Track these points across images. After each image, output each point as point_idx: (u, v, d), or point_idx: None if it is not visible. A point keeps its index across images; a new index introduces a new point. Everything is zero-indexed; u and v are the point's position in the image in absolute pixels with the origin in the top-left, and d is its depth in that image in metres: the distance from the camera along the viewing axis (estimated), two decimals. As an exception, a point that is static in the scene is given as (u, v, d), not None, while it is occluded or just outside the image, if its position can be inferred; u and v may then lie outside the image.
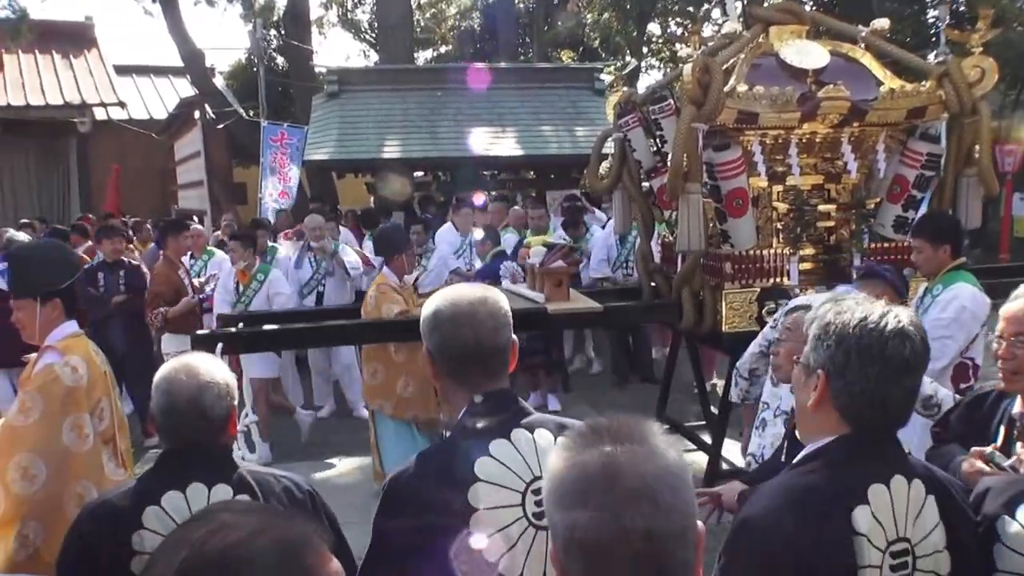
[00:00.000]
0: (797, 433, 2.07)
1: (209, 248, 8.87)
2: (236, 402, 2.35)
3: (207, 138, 14.23)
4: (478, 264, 8.45)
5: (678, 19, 22.30)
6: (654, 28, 24.39)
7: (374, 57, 27.63)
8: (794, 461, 1.95)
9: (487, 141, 12.14)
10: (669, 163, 5.23)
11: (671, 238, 6.63)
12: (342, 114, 12.51)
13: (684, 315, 5.61)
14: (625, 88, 6.60)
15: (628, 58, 21.89)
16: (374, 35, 27.42)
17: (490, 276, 6.84)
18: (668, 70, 26.33)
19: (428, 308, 2.06)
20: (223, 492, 2.17)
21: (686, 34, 5.93)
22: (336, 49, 57.54)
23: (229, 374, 2.33)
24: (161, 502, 2.14)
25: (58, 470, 3.09)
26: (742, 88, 5.24)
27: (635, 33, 22.23)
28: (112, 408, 3.38)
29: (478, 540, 1.87)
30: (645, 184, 6.46)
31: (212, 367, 2.30)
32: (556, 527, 1.23)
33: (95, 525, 2.21)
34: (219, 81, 20.95)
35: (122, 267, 7.83)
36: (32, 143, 20.31)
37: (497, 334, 2.02)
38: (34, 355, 3.33)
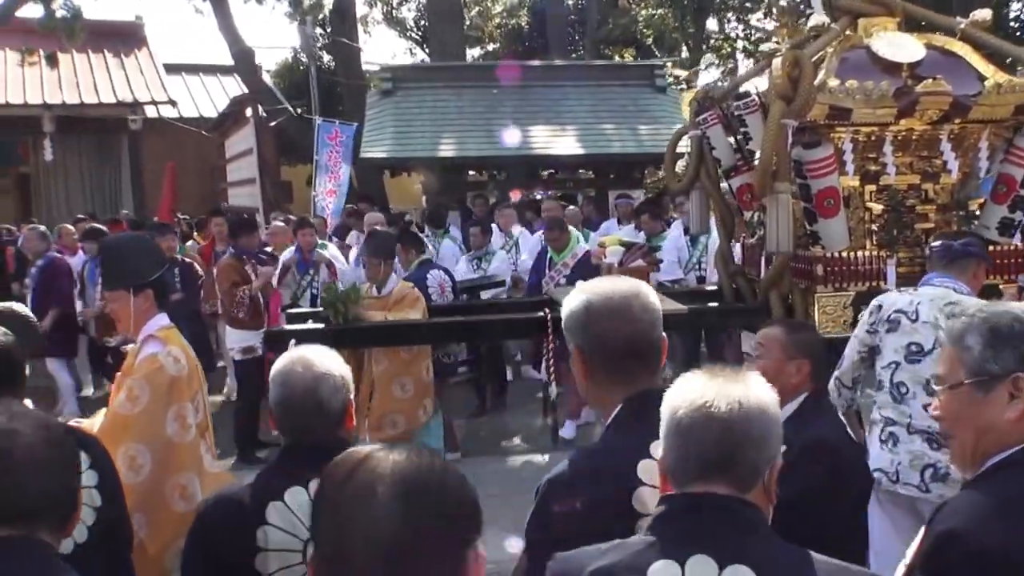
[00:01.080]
0: (954, 450, 1.92)
1: (322, 242, 8.68)
2: (353, 395, 2.28)
3: (259, 136, 14.19)
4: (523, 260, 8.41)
5: (739, 14, 21.93)
6: (711, 23, 24.05)
7: (419, 55, 27.57)
8: (981, 472, 1.83)
9: (546, 139, 11.95)
10: (757, 161, 5.00)
11: (751, 239, 6.42)
12: (396, 112, 12.37)
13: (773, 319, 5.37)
14: (703, 84, 6.39)
15: (684, 54, 21.59)
16: (420, 32, 27.37)
17: (417, 285, 6.48)
18: (726, 67, 26.03)
19: (575, 304, 1.96)
20: None
21: (774, 27, 5.66)
22: (381, 47, 57.51)
23: (344, 366, 2.25)
24: (284, 498, 2.08)
25: (162, 461, 3.09)
26: (834, 82, 4.99)
27: (692, 29, 21.90)
28: (204, 400, 3.40)
29: None
30: (724, 183, 6.26)
31: (327, 359, 2.22)
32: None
33: (219, 521, 2.15)
34: (266, 79, 21.05)
35: (176, 264, 7.76)
36: (85, 141, 20.53)
37: (653, 328, 1.95)
38: (132, 345, 3.33)
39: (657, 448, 1.68)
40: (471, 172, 13.89)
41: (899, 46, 5.27)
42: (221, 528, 2.12)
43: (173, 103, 19.65)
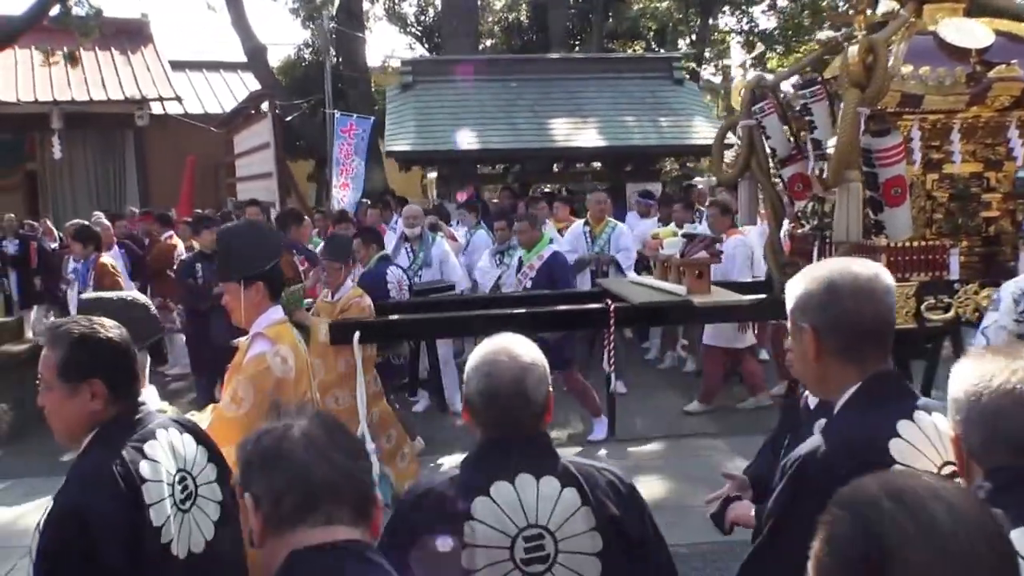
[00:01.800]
0: None
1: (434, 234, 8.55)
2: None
3: (276, 131, 14.11)
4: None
5: (743, 7, 21.89)
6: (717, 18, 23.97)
7: (419, 50, 27.46)
8: None
9: (566, 132, 11.89)
10: (834, 149, 4.93)
11: (800, 230, 6.36)
12: (417, 105, 12.30)
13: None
14: (754, 73, 6.32)
15: (682, 49, 21.54)
16: (420, 28, 27.28)
17: (375, 281, 6.41)
18: (723, 61, 25.98)
19: (813, 284, 1.94)
20: (551, 484, 2.00)
21: (849, 12, 5.60)
22: (381, 43, 57.26)
23: (543, 357, 2.16)
24: (490, 492, 2.00)
25: None
26: (906, 69, 4.94)
27: (697, 22, 21.85)
28: (315, 400, 3.34)
29: None
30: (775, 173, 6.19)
31: (531, 349, 2.13)
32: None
33: (425, 516, 2.05)
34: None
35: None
36: (91, 137, 20.50)
37: (892, 311, 1.95)
38: (243, 339, 3.28)
39: (906, 428, 1.64)
40: (479, 165, 13.82)
41: (966, 32, 5.22)
42: (427, 522, 2.02)
43: (179, 99, 19.58)
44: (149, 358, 4.92)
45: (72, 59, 13.21)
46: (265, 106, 14.29)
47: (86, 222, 10.00)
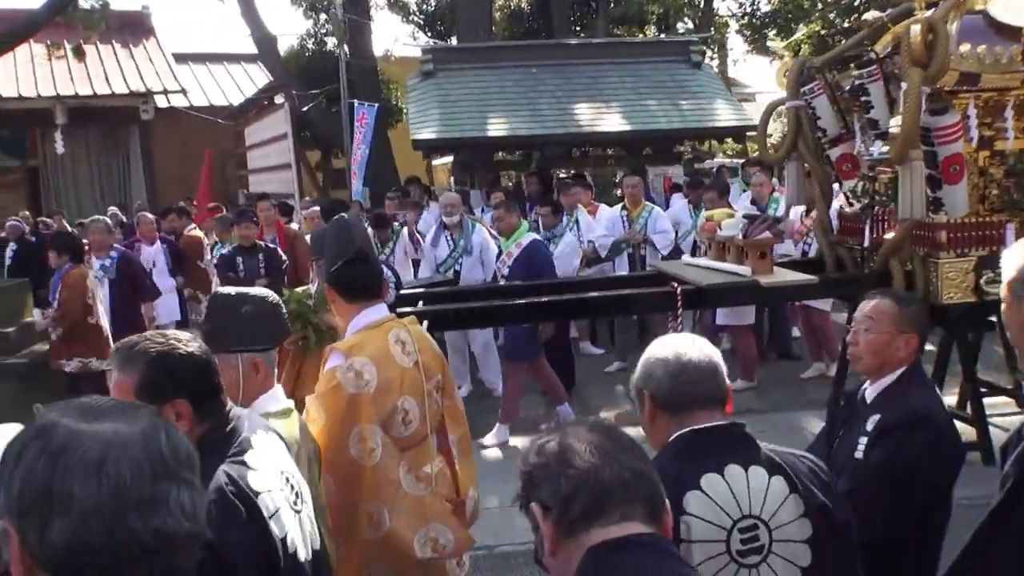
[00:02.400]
0: None
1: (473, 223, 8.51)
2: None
3: (293, 122, 14.10)
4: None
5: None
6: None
7: (421, 39, 27.42)
8: None
9: (588, 117, 11.97)
10: (898, 129, 5.03)
11: (849, 208, 6.48)
12: (440, 93, 12.34)
13: (895, 287, 5.43)
14: (798, 55, 6.40)
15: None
16: (423, 16, 27.24)
17: None
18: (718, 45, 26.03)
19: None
20: (758, 474, 1.98)
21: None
22: (382, 32, 56.80)
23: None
24: (702, 486, 1.96)
25: (348, 484, 2.92)
26: (964, 48, 5.05)
27: (702, 5, 21.90)
28: (426, 405, 3.13)
29: None
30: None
31: (708, 345, 2.12)
32: None
33: None
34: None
35: (260, 251, 7.77)
36: (93, 132, 20.40)
37: None
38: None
39: None
40: (502, 152, 13.86)
41: (1017, 10, 5.31)
42: None
43: (184, 92, 19.54)
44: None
45: (79, 53, 13.09)
46: (280, 98, 14.28)
47: (86, 220, 9.96)
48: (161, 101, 19.44)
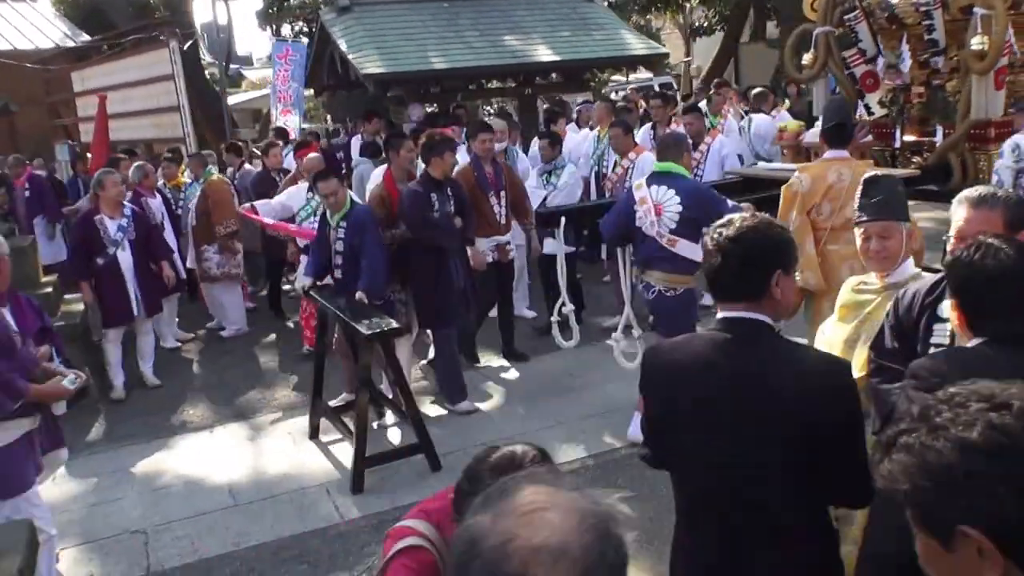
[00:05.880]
0: None
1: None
2: None
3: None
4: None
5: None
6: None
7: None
8: None
9: (521, 48, 12.40)
10: (989, 45, 6.18)
11: (870, 116, 7.68)
12: (365, 29, 12.33)
13: (953, 177, 6.68)
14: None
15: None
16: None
17: None
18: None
19: None
20: None
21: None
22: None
23: None
24: None
25: None
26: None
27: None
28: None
29: None
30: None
31: None
32: None
33: None
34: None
35: (449, 184, 6.74)
36: None
37: None
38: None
39: None
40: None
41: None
42: None
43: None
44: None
45: None
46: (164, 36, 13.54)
47: None
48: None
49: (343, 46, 12.05)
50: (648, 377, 2.50)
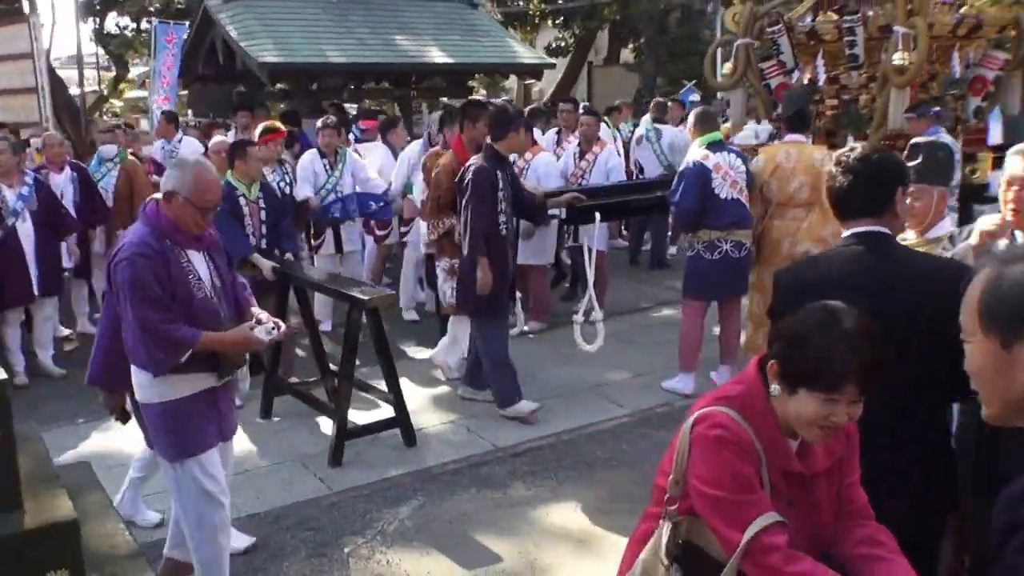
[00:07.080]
0: None
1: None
2: None
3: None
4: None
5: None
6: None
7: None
8: None
9: (408, 49, 12.40)
10: (913, 63, 6.81)
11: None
12: (256, 18, 11.95)
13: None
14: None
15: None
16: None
17: None
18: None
19: None
20: None
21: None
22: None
23: None
24: None
25: None
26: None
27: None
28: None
29: None
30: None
31: None
32: None
33: None
34: None
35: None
36: None
37: None
38: None
39: None
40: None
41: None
42: None
43: None
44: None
45: None
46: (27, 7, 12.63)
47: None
48: None
49: (233, 33, 11.66)
50: (789, 291, 2.70)
